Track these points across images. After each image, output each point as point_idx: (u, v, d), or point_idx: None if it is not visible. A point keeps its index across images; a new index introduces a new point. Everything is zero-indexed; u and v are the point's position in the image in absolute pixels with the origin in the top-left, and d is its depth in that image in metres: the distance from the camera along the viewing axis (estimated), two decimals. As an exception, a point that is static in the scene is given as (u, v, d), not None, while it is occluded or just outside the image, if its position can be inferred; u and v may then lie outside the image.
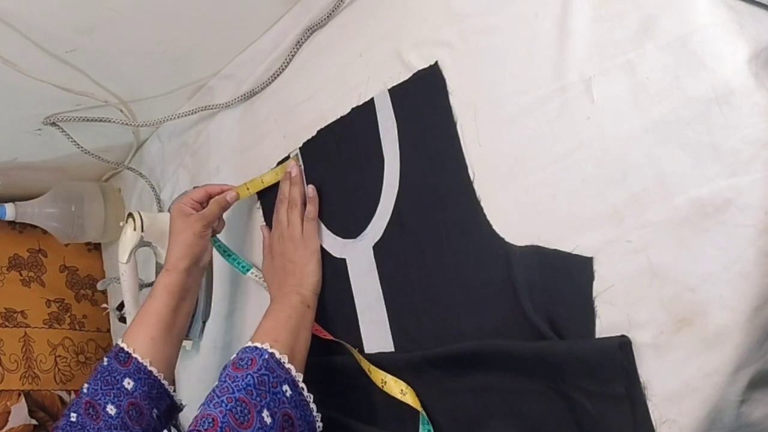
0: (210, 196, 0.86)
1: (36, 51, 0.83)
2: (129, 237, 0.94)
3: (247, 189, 0.88)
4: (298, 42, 0.87)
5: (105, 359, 0.74)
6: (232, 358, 0.65)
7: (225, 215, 0.89)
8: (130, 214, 0.96)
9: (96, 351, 1.31)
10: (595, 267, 0.55)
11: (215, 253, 0.93)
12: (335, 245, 0.80)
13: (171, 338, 0.78)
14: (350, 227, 0.78)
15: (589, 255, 0.56)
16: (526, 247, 0.60)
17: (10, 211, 1.11)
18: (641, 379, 0.52)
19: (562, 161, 0.58)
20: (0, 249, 1.28)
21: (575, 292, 0.56)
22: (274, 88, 0.91)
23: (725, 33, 0.49)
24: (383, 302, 0.73)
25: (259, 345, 0.65)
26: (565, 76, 0.57)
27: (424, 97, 0.69)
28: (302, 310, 0.74)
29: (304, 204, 0.82)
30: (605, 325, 0.55)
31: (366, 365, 0.72)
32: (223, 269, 1.00)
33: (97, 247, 1.41)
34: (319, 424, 0.65)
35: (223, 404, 0.58)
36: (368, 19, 0.78)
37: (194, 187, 0.92)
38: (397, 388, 0.69)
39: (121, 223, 0.98)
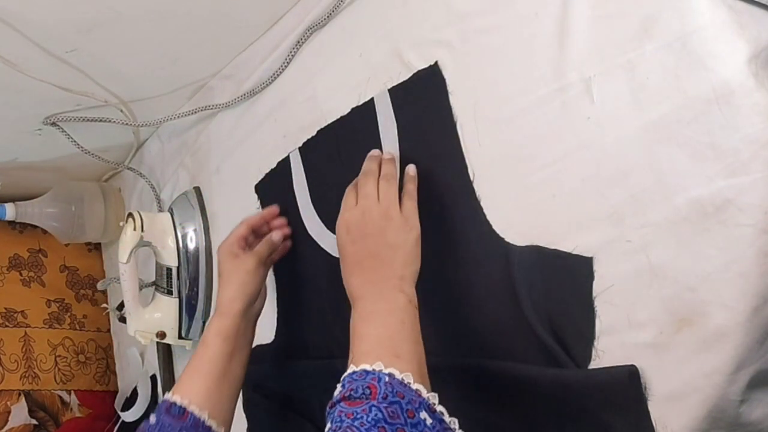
0: (253, 229, 0.81)
1: (36, 51, 0.83)
2: (129, 237, 0.94)
3: None
4: (298, 42, 0.87)
5: (152, 417, 0.65)
6: (336, 391, 0.52)
7: (225, 208, 0.88)
8: (130, 214, 0.96)
9: (96, 351, 1.31)
10: (595, 267, 0.55)
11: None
12: (334, 245, 0.80)
13: (227, 389, 0.70)
14: (350, 227, 0.78)
15: (589, 255, 0.56)
16: (526, 247, 0.60)
17: (10, 211, 1.11)
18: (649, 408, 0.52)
19: (562, 161, 0.58)
20: (0, 249, 1.28)
21: (575, 292, 0.56)
22: (274, 88, 0.91)
23: (725, 33, 0.49)
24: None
25: (369, 367, 0.51)
26: (565, 76, 0.57)
27: (424, 97, 0.69)
28: (412, 312, 0.58)
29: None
30: (605, 325, 0.55)
31: None
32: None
33: (97, 247, 1.41)
34: None
35: None
36: (368, 19, 0.78)
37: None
38: None
39: (121, 223, 0.98)
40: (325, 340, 0.81)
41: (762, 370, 0.49)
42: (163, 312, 1.01)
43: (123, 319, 1.04)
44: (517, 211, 0.61)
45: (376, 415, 0.47)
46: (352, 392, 0.49)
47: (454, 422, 0.50)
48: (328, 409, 0.50)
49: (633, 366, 0.52)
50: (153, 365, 1.16)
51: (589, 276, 0.55)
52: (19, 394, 1.17)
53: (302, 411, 0.83)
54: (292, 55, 0.88)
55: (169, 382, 1.11)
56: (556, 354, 0.57)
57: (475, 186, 0.65)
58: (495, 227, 0.63)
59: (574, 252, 0.57)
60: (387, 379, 0.50)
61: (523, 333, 0.59)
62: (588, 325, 0.55)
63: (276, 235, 0.81)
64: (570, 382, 0.55)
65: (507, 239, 0.62)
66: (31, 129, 1.05)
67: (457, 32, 0.67)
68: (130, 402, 1.19)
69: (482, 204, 0.64)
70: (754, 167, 0.47)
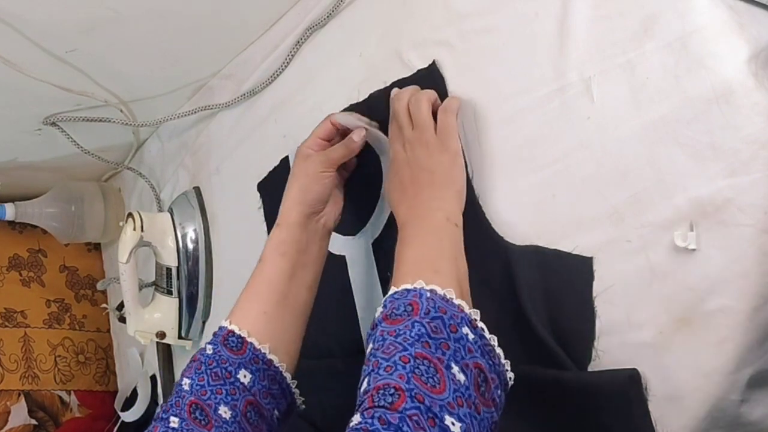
0: (338, 129, 0.71)
1: (36, 51, 0.83)
2: (129, 237, 0.94)
3: None
4: (298, 42, 0.87)
5: (208, 347, 0.60)
6: (377, 312, 0.50)
7: (225, 208, 0.87)
8: (130, 214, 0.96)
9: (96, 351, 1.31)
10: (595, 267, 0.55)
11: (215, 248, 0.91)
12: (335, 242, 0.80)
13: (289, 316, 0.64)
14: (350, 224, 0.78)
15: (589, 255, 0.56)
16: (526, 247, 0.60)
17: (10, 211, 1.11)
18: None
19: (562, 161, 0.58)
20: (0, 249, 1.28)
21: (575, 292, 0.56)
22: (274, 88, 0.91)
23: (725, 33, 0.49)
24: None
25: (410, 286, 0.50)
26: (565, 76, 0.57)
27: (424, 97, 0.69)
28: (451, 229, 0.57)
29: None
30: (605, 325, 0.55)
31: None
32: (223, 267, 1.00)
33: (97, 247, 1.41)
34: (510, 375, 0.50)
35: (399, 366, 0.43)
36: (368, 19, 0.78)
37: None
38: None
39: (121, 223, 0.98)
40: (326, 339, 0.81)
41: (762, 370, 0.49)
42: (163, 312, 1.01)
43: (123, 319, 1.04)
44: (517, 211, 0.61)
45: (419, 330, 0.45)
46: (393, 310, 0.48)
47: (493, 339, 0.49)
48: (369, 331, 0.49)
49: (634, 369, 0.52)
50: (153, 365, 1.16)
51: (589, 276, 0.55)
52: (19, 394, 1.17)
53: (301, 412, 0.83)
54: (292, 55, 0.88)
55: (169, 382, 1.11)
56: (556, 354, 0.57)
57: (475, 185, 0.65)
58: (495, 227, 0.63)
59: (574, 252, 0.57)
60: (429, 294, 0.48)
61: (523, 333, 0.59)
62: (588, 325, 0.55)
63: (356, 135, 0.68)
64: (571, 385, 0.55)
65: (507, 239, 0.62)
66: (31, 129, 1.05)
67: (456, 32, 0.67)
68: (130, 402, 1.19)
69: (482, 204, 0.64)
70: (754, 167, 0.47)
